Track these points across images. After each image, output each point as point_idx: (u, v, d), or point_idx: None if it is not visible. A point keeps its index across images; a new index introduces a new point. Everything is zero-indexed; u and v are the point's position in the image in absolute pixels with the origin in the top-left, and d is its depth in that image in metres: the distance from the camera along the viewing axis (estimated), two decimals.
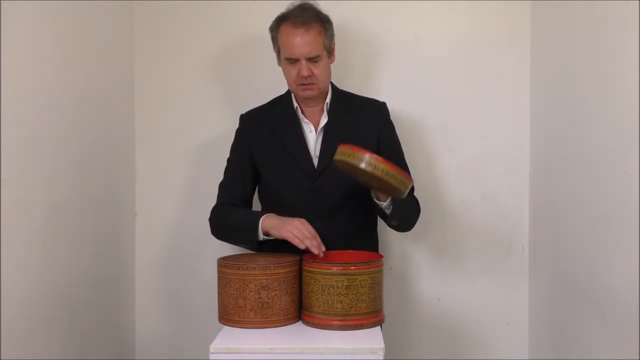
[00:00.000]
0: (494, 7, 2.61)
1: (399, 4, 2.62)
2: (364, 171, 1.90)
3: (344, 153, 1.93)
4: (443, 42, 2.62)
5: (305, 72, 2.14)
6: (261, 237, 2.11)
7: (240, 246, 2.26)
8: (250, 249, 2.21)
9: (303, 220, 2.06)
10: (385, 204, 2.13)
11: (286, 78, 2.22)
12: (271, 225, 2.08)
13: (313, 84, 2.17)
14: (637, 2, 1.77)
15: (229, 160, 2.31)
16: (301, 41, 2.12)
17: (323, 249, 2.03)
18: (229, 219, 2.20)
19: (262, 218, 2.10)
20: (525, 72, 2.61)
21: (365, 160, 1.88)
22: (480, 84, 2.62)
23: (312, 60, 2.14)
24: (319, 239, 2.03)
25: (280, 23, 2.18)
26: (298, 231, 2.02)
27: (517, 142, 2.63)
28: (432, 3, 2.62)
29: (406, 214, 2.23)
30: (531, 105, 2.60)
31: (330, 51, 2.22)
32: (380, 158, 1.89)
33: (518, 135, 2.62)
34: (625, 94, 1.83)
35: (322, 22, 2.18)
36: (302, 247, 2.01)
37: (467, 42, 2.62)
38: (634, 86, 1.78)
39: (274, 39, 2.22)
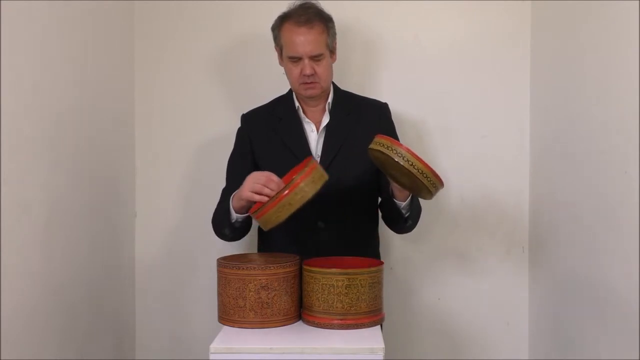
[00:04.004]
0: (494, 7, 2.61)
1: (399, 4, 2.62)
2: (398, 165, 1.86)
3: (381, 144, 1.88)
4: (443, 42, 2.62)
5: (308, 71, 2.14)
6: (234, 217, 2.08)
7: (234, 238, 2.24)
8: (238, 236, 2.19)
9: (254, 173, 2.00)
10: (404, 204, 2.12)
11: (288, 77, 2.22)
12: (236, 197, 2.04)
13: (315, 82, 2.17)
14: (637, 2, 1.77)
15: (230, 159, 2.31)
16: (304, 40, 2.13)
17: (281, 186, 1.91)
18: (217, 213, 2.19)
19: (232, 197, 2.08)
20: (525, 72, 2.61)
21: (402, 155, 1.84)
22: (480, 84, 2.62)
23: (315, 58, 2.15)
24: (274, 178, 1.94)
25: (282, 22, 2.18)
26: (253, 186, 1.95)
27: (517, 142, 2.63)
28: (432, 3, 2.62)
29: (419, 215, 2.23)
30: (531, 105, 2.60)
31: (332, 50, 2.22)
32: (417, 155, 1.85)
33: (518, 135, 2.62)
34: (625, 94, 1.83)
35: (325, 21, 2.18)
36: (264, 199, 1.90)
37: (467, 42, 2.62)
38: (634, 86, 1.78)
39: (276, 38, 2.22)
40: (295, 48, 2.14)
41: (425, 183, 1.87)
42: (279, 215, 1.86)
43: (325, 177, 1.89)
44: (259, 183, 1.95)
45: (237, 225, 2.12)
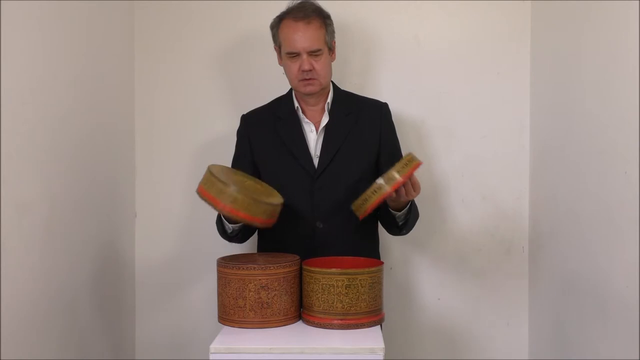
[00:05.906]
0: (494, 7, 2.61)
1: (399, 4, 2.62)
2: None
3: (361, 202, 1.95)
4: (443, 42, 2.62)
5: (306, 66, 2.14)
6: (229, 228, 2.16)
7: (242, 241, 2.28)
8: (243, 239, 2.26)
9: None
10: (399, 214, 2.14)
11: (287, 74, 2.22)
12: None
13: (314, 79, 2.17)
14: (637, 2, 1.77)
15: (233, 161, 2.32)
16: (302, 35, 2.13)
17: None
18: (217, 223, 2.23)
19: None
20: (525, 72, 2.61)
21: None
22: (480, 84, 2.62)
23: (313, 54, 2.15)
24: None
25: (281, 19, 2.20)
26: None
27: (517, 142, 2.63)
28: (432, 3, 2.62)
29: (415, 223, 2.24)
30: (531, 105, 2.60)
31: (331, 48, 2.22)
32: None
33: (518, 136, 2.62)
34: (625, 94, 1.83)
35: (323, 18, 2.19)
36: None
37: (467, 42, 2.62)
38: (634, 86, 1.78)
39: (275, 36, 2.22)
40: (293, 44, 2.14)
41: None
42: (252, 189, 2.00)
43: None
44: None
45: (233, 235, 2.20)
